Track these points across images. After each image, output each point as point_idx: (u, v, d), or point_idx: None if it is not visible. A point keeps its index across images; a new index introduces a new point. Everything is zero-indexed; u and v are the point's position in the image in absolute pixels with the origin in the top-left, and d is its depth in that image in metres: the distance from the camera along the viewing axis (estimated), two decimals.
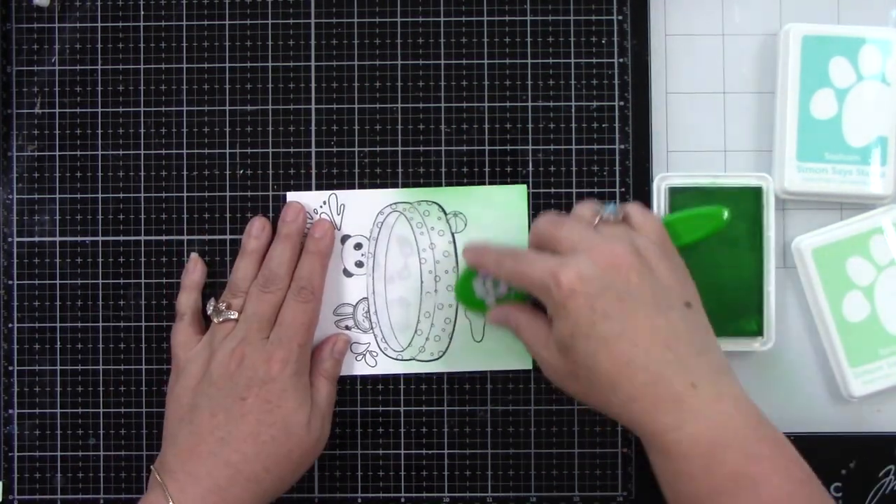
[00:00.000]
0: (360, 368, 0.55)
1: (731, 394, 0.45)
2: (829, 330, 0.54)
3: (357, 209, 0.55)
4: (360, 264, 0.55)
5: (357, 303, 0.55)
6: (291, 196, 0.55)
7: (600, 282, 0.44)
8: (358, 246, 0.55)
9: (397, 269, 0.55)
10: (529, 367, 0.55)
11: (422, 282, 0.55)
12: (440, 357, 0.55)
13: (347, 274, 0.55)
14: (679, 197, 0.54)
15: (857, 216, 0.55)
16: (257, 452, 0.48)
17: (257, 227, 0.54)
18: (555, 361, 0.47)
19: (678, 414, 0.43)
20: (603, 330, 0.44)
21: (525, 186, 0.55)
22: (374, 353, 0.55)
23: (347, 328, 0.55)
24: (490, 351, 0.55)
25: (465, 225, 0.55)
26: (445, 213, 0.55)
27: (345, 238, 0.55)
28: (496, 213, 0.55)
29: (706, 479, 0.43)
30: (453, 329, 0.55)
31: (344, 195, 0.55)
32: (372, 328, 0.55)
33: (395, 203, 0.55)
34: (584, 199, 0.54)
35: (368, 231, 0.55)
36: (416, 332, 0.55)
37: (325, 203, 0.55)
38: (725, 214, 0.51)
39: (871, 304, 0.54)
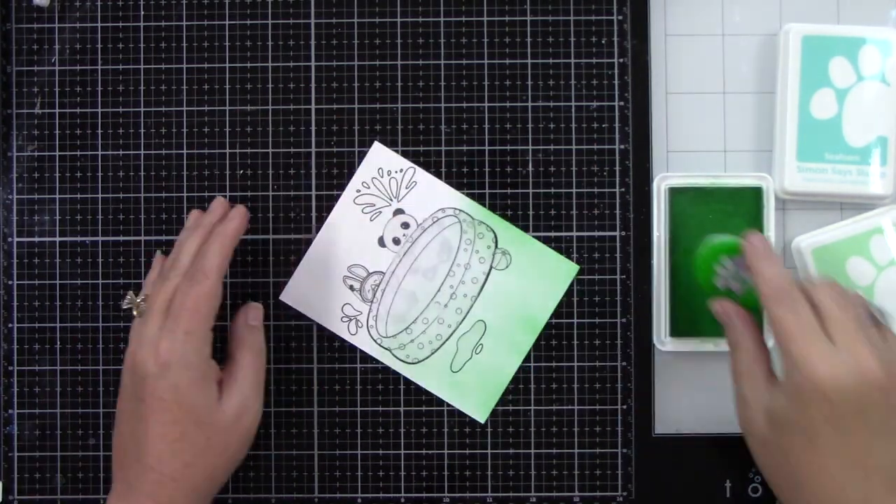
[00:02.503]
0: (340, 329, 0.55)
1: None
2: None
3: (424, 193, 0.55)
4: (397, 241, 0.55)
5: (372, 272, 0.55)
6: (377, 146, 0.55)
7: (849, 395, 0.43)
8: (405, 225, 0.55)
9: (426, 266, 0.55)
10: (482, 420, 0.55)
11: (439, 290, 0.55)
12: (414, 363, 0.55)
13: (381, 243, 0.55)
14: (679, 197, 0.54)
15: (857, 216, 0.55)
16: (173, 451, 0.47)
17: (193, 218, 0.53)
18: (755, 415, 0.46)
19: None
20: (826, 442, 0.43)
21: (577, 267, 0.54)
22: (360, 325, 0.55)
23: (351, 288, 0.55)
24: (458, 386, 0.54)
25: (507, 266, 0.55)
26: (497, 246, 0.55)
27: (398, 211, 0.55)
28: (538, 273, 0.54)
29: None
30: (439, 348, 0.55)
31: (421, 174, 0.55)
32: (372, 301, 0.55)
33: (459, 210, 0.55)
34: (594, 203, 0.54)
35: (422, 218, 0.55)
36: (406, 329, 0.55)
37: (401, 171, 0.55)
38: None
39: None
